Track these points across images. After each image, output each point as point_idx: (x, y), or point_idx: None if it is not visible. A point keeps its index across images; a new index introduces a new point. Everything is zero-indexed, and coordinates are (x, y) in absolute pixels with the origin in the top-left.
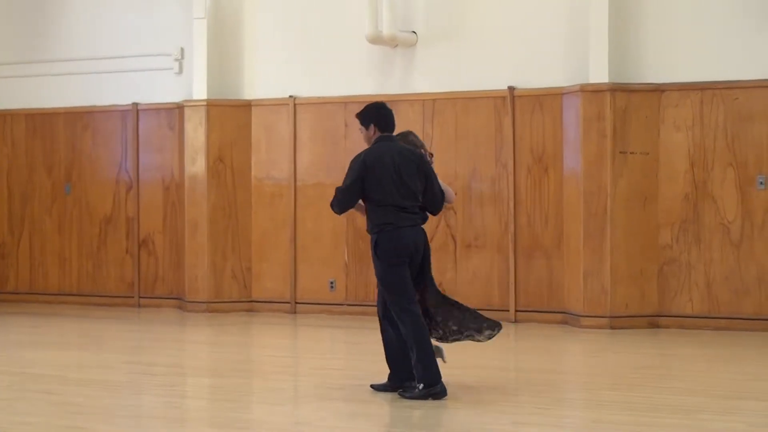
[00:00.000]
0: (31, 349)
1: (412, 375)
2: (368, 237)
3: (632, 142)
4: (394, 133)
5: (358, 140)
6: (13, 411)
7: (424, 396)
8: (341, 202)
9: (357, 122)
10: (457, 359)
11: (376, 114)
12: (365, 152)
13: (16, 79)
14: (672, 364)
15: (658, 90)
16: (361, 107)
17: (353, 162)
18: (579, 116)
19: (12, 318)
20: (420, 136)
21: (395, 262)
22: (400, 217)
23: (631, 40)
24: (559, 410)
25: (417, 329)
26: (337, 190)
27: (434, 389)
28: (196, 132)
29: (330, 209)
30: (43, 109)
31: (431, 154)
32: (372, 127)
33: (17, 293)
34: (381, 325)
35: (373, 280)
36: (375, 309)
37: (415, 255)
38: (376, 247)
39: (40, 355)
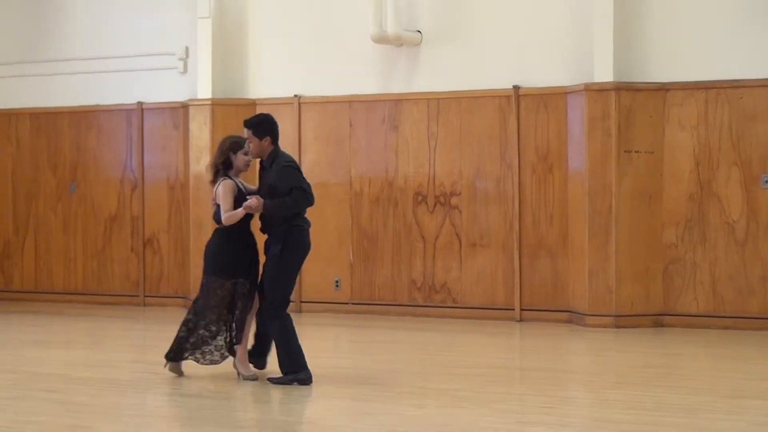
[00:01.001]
0: (36, 348)
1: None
2: (375, 236)
3: (637, 141)
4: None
5: (363, 139)
6: (17, 410)
7: (290, 381)
8: (310, 198)
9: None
10: (462, 359)
11: (271, 127)
12: (288, 158)
13: (21, 79)
14: (677, 363)
15: (663, 89)
16: (367, 106)
17: (289, 168)
18: (584, 115)
19: (17, 317)
20: (425, 134)
21: (299, 262)
22: (304, 219)
23: (636, 39)
24: (564, 409)
25: (290, 324)
26: (301, 190)
27: (299, 375)
28: (200, 131)
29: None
30: (48, 108)
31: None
32: (267, 139)
33: (22, 292)
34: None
35: (380, 279)
36: (380, 308)
37: None
38: (284, 244)
39: (44, 354)
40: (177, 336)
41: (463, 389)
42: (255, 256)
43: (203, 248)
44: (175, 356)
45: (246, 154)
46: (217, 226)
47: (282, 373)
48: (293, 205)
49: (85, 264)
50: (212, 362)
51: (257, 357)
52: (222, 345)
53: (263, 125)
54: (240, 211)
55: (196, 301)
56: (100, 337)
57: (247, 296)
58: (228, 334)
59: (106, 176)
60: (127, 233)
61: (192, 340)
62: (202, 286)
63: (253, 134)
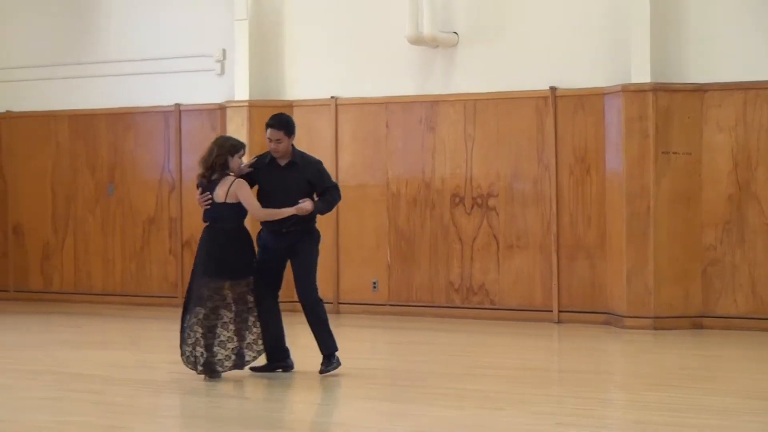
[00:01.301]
0: (75, 348)
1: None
2: (412, 237)
3: (675, 142)
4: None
5: (400, 141)
6: (56, 410)
7: (338, 363)
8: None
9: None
10: (499, 360)
11: (294, 126)
12: (313, 157)
13: (60, 81)
14: (715, 365)
15: (701, 90)
16: (403, 108)
17: (323, 166)
18: (621, 116)
19: (56, 317)
20: (462, 136)
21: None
22: None
23: (673, 39)
24: (602, 411)
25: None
26: (337, 188)
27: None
28: (238, 133)
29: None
30: (86, 110)
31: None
32: (293, 137)
33: (61, 293)
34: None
35: (417, 280)
36: (417, 309)
37: None
38: (317, 236)
39: (83, 355)
40: (196, 357)
41: (500, 391)
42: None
43: None
44: (212, 374)
45: (241, 157)
46: (207, 225)
47: (326, 353)
48: (334, 204)
49: (124, 265)
50: (252, 359)
51: (285, 359)
52: (253, 342)
53: (291, 125)
54: (289, 210)
55: (208, 309)
56: (138, 338)
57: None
58: (250, 331)
59: (144, 178)
60: (164, 235)
61: (218, 357)
62: (216, 289)
63: (285, 134)
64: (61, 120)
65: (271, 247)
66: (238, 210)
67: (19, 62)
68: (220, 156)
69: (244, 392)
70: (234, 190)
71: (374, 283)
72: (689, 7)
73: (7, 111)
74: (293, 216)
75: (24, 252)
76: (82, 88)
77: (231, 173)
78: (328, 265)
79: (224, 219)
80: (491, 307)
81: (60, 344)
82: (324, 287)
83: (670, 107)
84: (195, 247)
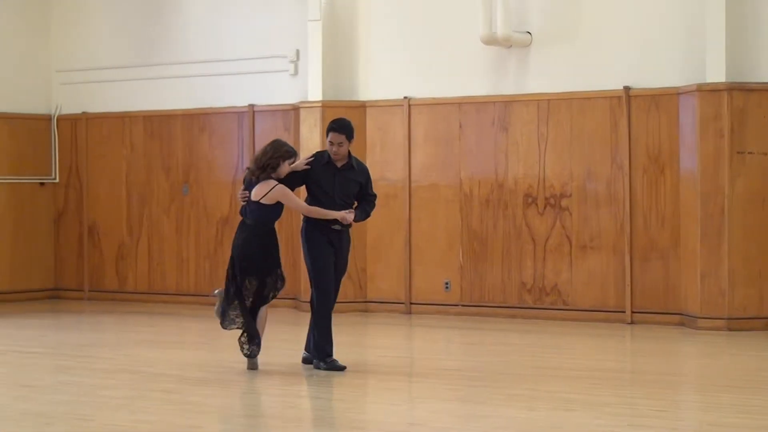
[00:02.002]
0: (150, 348)
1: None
2: (485, 238)
3: (750, 142)
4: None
5: (473, 141)
6: (132, 409)
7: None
8: None
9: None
10: (572, 361)
11: (354, 130)
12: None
13: (135, 82)
14: None
15: None
16: (476, 108)
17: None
18: (696, 116)
19: (131, 317)
20: (535, 136)
21: None
22: None
23: (748, 38)
24: (675, 412)
25: None
26: (375, 197)
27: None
28: (311, 133)
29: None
30: (161, 111)
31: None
32: (352, 141)
33: (136, 293)
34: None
35: (489, 280)
36: (490, 309)
37: None
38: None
39: (158, 354)
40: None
41: (573, 392)
42: None
43: None
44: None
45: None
46: (247, 222)
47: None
48: (370, 214)
49: (198, 265)
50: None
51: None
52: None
53: (352, 129)
54: (335, 213)
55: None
56: (213, 338)
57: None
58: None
59: (218, 178)
60: None
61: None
62: (266, 283)
63: (347, 138)
64: (137, 121)
65: (326, 242)
66: (270, 211)
67: (95, 64)
68: (275, 159)
69: (317, 392)
70: (275, 195)
71: (446, 283)
72: (765, 5)
73: (83, 112)
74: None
75: (99, 252)
76: (157, 90)
77: (274, 176)
78: (400, 266)
79: (256, 217)
80: (564, 307)
81: (135, 344)
82: (396, 287)
83: (746, 107)
84: None
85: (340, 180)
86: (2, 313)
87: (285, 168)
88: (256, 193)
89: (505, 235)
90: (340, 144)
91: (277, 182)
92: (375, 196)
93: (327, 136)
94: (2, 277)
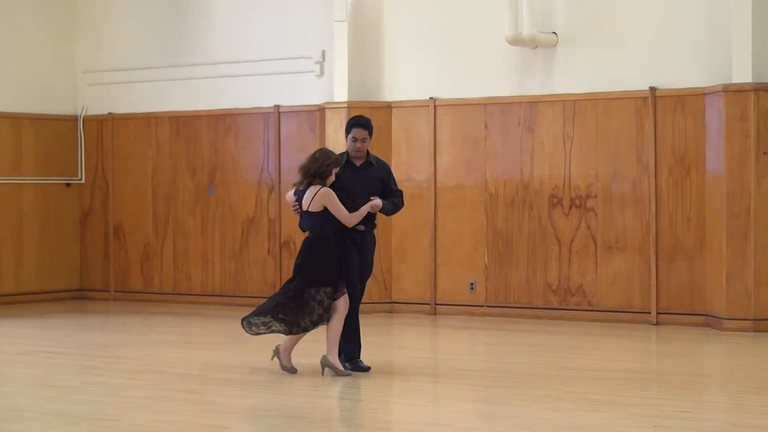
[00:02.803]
0: (175, 348)
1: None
2: (510, 238)
3: None
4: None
5: (498, 141)
6: (157, 409)
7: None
8: None
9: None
10: (597, 362)
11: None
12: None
13: (161, 83)
14: None
15: None
16: (502, 109)
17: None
18: (722, 117)
19: (156, 318)
20: (561, 136)
21: None
22: None
23: None
24: (701, 413)
25: None
26: (401, 192)
27: None
28: (336, 134)
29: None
30: (187, 111)
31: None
32: (372, 138)
33: (162, 293)
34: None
35: (515, 281)
36: (515, 310)
37: None
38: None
39: (183, 355)
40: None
41: (598, 393)
42: None
43: None
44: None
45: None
46: (309, 234)
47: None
48: (399, 209)
49: (223, 266)
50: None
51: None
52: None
53: (372, 126)
54: (365, 207)
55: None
56: (238, 339)
57: None
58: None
59: (244, 179)
60: (263, 236)
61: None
62: (336, 291)
63: (369, 134)
64: (162, 122)
65: (349, 243)
66: (321, 218)
67: (121, 65)
68: (326, 167)
69: (342, 393)
70: (320, 199)
71: (471, 284)
72: None
73: (110, 113)
74: (372, 215)
75: (125, 253)
76: (182, 90)
77: (319, 183)
78: (425, 266)
79: (311, 227)
80: (589, 308)
81: (161, 344)
82: (421, 288)
83: None
84: (293, 248)
85: (361, 179)
86: (28, 314)
87: (333, 177)
88: (305, 203)
89: (530, 236)
90: (363, 140)
91: (322, 186)
92: (401, 192)
93: (348, 132)
94: (28, 278)
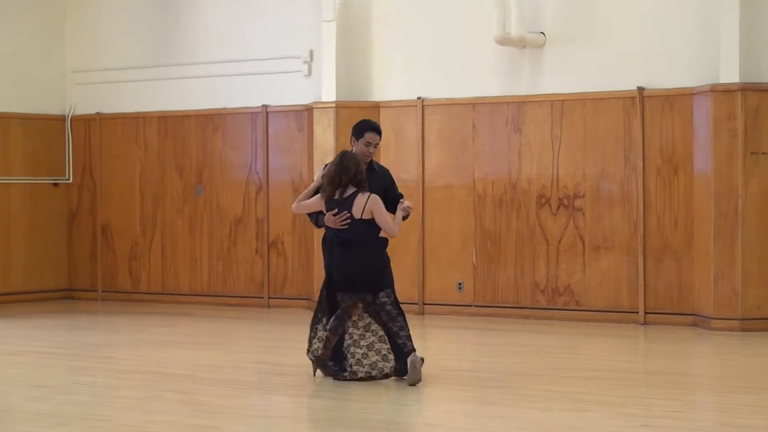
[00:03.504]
0: (163, 348)
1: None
2: (498, 238)
3: (764, 142)
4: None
5: (486, 141)
6: (146, 410)
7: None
8: None
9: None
10: (586, 362)
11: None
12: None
13: (149, 83)
14: None
15: None
16: (490, 108)
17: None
18: (709, 117)
19: (144, 318)
20: (549, 136)
21: None
22: None
23: (762, 38)
24: (689, 413)
25: None
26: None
27: None
28: (325, 134)
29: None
30: (175, 111)
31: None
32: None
33: (150, 293)
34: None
35: (503, 281)
36: (503, 310)
37: None
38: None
39: (172, 355)
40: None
41: (587, 392)
42: None
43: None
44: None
45: None
46: (363, 240)
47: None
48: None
49: (211, 266)
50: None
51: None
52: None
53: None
54: (400, 213)
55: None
56: (226, 338)
57: None
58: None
59: (232, 179)
60: (251, 235)
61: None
62: (391, 302)
63: (379, 139)
64: (150, 121)
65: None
66: (374, 225)
67: (109, 65)
68: (361, 172)
69: (331, 393)
70: (371, 207)
71: (459, 283)
72: None
73: (97, 112)
74: None
75: (112, 253)
76: (170, 90)
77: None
78: (413, 266)
79: (367, 235)
80: (577, 308)
81: (149, 344)
82: (409, 288)
83: (760, 107)
84: (281, 247)
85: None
86: (16, 314)
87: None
88: (357, 210)
89: (518, 236)
90: (376, 145)
91: (370, 194)
92: (402, 196)
93: (359, 137)
94: (16, 278)
